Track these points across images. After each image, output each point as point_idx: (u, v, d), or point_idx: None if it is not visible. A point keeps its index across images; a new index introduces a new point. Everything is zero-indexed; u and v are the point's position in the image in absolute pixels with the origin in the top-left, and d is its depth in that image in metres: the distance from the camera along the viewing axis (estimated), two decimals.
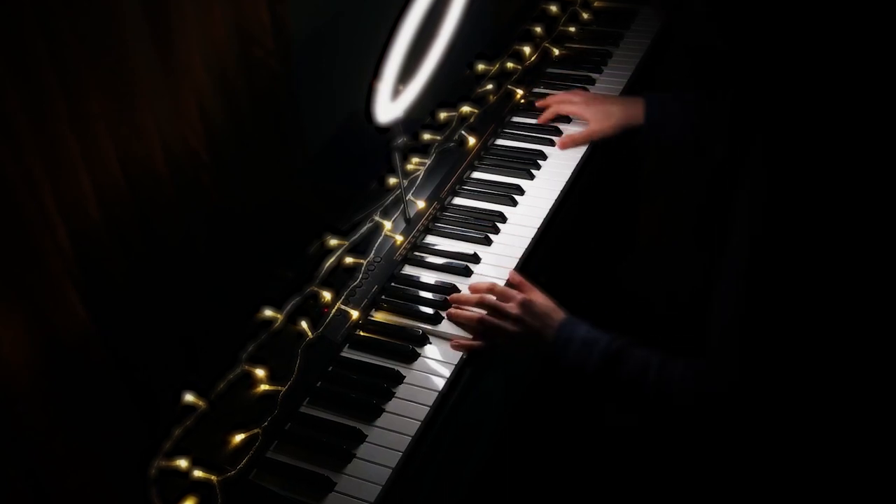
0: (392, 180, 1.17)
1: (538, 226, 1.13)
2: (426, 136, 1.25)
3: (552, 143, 1.26)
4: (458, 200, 1.20)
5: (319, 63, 1.30)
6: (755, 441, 0.86)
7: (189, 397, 0.93)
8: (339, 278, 1.06)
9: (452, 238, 1.14)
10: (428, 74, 1.07)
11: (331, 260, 1.08)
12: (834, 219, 0.77)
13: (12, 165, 0.83)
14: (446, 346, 0.99)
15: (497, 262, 1.09)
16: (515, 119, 1.32)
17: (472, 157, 1.23)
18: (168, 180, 1.04)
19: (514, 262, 1.08)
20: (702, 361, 0.85)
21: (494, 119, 1.29)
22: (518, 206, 1.17)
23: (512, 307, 0.98)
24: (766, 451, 0.87)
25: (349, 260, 1.08)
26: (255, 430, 0.90)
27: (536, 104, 1.29)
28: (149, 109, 0.99)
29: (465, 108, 1.29)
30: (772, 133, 0.78)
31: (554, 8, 1.48)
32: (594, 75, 1.37)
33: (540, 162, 1.23)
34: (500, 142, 1.28)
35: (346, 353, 1.00)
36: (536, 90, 1.36)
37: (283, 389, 0.94)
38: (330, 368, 0.98)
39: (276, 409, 0.92)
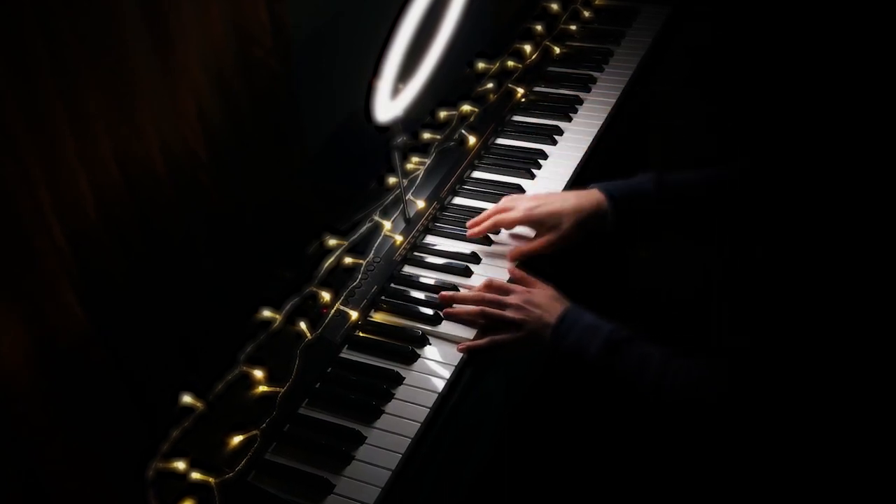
0: (392, 180, 1.16)
1: None
2: (426, 136, 1.24)
3: (553, 142, 1.26)
4: (458, 200, 1.19)
5: (319, 62, 1.29)
6: (754, 447, 0.85)
7: (187, 398, 0.92)
8: (338, 278, 1.06)
9: (452, 238, 1.13)
10: (428, 73, 1.07)
11: (330, 260, 1.07)
12: (837, 217, 0.77)
13: (10, 165, 0.83)
14: (446, 346, 0.98)
15: (498, 262, 1.08)
16: (516, 118, 1.31)
17: (473, 156, 1.23)
18: (166, 180, 1.03)
19: (515, 263, 1.08)
20: (703, 364, 0.84)
21: (495, 118, 1.29)
22: None
23: (512, 298, 0.98)
24: (767, 450, 0.87)
25: (348, 260, 1.08)
26: (254, 432, 0.90)
27: (472, 221, 1.10)
28: (147, 109, 0.99)
29: (466, 107, 1.29)
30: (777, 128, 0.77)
31: (555, 6, 1.47)
32: (595, 74, 1.36)
33: (541, 161, 1.23)
34: (500, 141, 1.28)
35: (346, 353, 1.00)
36: (537, 89, 1.35)
37: (282, 390, 0.94)
38: (329, 369, 0.98)
39: (275, 411, 0.92)
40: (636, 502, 1.13)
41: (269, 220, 1.18)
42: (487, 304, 0.99)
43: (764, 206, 0.78)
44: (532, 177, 1.21)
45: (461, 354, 0.97)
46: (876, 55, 0.77)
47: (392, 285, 1.07)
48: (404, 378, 0.95)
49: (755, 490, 0.90)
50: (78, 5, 0.87)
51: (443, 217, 1.16)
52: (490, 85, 1.33)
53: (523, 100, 1.33)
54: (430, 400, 0.92)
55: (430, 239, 1.14)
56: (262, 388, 0.94)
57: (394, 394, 0.93)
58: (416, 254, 1.11)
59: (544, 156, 1.24)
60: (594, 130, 1.26)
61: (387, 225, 1.12)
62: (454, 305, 1.01)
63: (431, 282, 1.07)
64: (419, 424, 0.90)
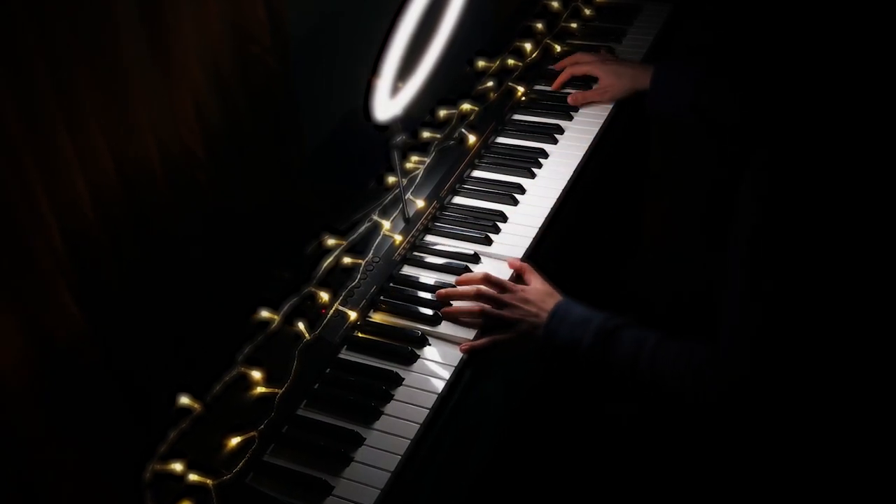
0: (391, 179, 1.16)
1: (540, 225, 1.12)
2: (426, 135, 1.24)
3: (554, 141, 1.25)
4: (458, 199, 1.18)
5: (317, 60, 1.29)
6: (751, 436, 0.85)
7: (184, 399, 0.92)
8: (337, 279, 1.05)
9: (452, 238, 1.13)
10: (427, 71, 1.06)
11: (329, 260, 1.07)
12: (837, 215, 0.76)
13: (6, 165, 0.82)
14: (446, 347, 0.98)
15: (498, 262, 1.08)
16: (516, 117, 1.30)
17: (473, 155, 1.22)
18: (163, 180, 1.03)
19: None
20: (700, 349, 0.84)
21: (495, 117, 1.28)
22: (519, 205, 1.16)
23: (508, 297, 0.98)
24: (764, 446, 0.86)
25: (347, 260, 1.07)
26: (252, 433, 0.89)
27: (556, 67, 1.33)
28: (144, 108, 0.98)
29: (466, 106, 1.28)
30: (778, 127, 0.77)
31: (556, 4, 1.46)
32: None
33: (541, 160, 1.22)
34: (500, 140, 1.27)
35: (344, 354, 0.99)
36: (538, 87, 1.35)
37: (280, 392, 0.93)
38: (327, 370, 0.97)
39: (273, 412, 0.91)
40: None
41: (268, 219, 1.17)
42: (486, 302, 0.98)
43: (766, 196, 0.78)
44: (533, 176, 1.20)
45: (461, 355, 0.97)
46: (878, 54, 0.76)
47: (391, 285, 1.06)
48: (403, 379, 0.95)
49: (754, 488, 0.89)
50: (72, 3, 0.86)
51: (443, 217, 1.16)
52: (490, 83, 1.32)
53: (524, 98, 1.33)
54: (430, 401, 0.92)
55: (429, 238, 1.13)
56: (260, 389, 0.94)
57: (393, 395, 0.93)
58: (415, 254, 1.11)
59: (545, 155, 1.23)
60: (595, 129, 1.26)
61: (386, 224, 1.12)
62: (452, 303, 1.00)
63: (431, 282, 1.06)
64: (418, 426, 0.89)
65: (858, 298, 0.80)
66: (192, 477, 0.86)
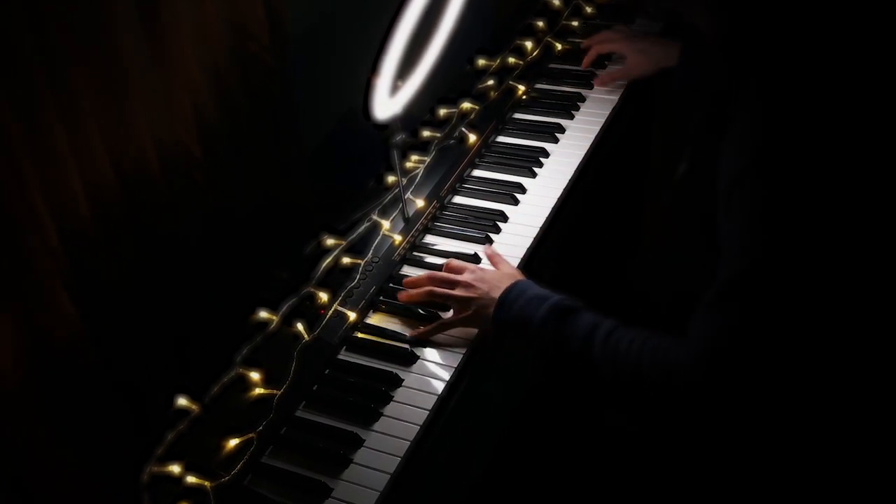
0: (390, 178, 1.15)
1: (541, 225, 1.12)
2: (425, 134, 1.23)
3: (555, 140, 1.24)
4: (458, 199, 1.18)
5: (316, 58, 1.28)
6: (724, 426, 0.82)
7: (182, 401, 0.91)
8: (336, 279, 1.04)
9: (452, 238, 1.12)
10: (427, 70, 1.05)
11: (328, 260, 1.06)
12: (832, 196, 0.75)
13: (2, 164, 0.82)
14: (445, 348, 0.97)
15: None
16: (517, 116, 1.30)
17: (473, 154, 1.22)
18: (161, 178, 1.02)
19: (515, 262, 1.06)
20: (666, 338, 0.80)
21: (496, 116, 1.28)
22: (520, 204, 1.15)
23: (463, 276, 0.97)
24: (761, 455, 0.85)
25: (346, 260, 1.07)
26: (250, 435, 0.89)
27: (582, 45, 1.34)
28: (141, 106, 0.97)
29: (466, 105, 1.27)
30: (767, 56, 0.75)
31: (556, 2, 1.45)
32: (598, 71, 1.35)
33: (542, 159, 1.22)
34: (501, 139, 1.27)
35: (343, 355, 0.99)
36: (539, 86, 1.34)
37: (279, 393, 0.93)
38: (326, 371, 0.97)
39: (272, 413, 0.91)
40: None
41: (266, 219, 1.17)
42: (437, 285, 0.98)
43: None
44: (534, 175, 1.20)
45: (461, 356, 0.96)
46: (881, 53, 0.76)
47: (391, 286, 1.06)
48: (403, 380, 0.94)
49: (753, 493, 0.89)
50: (71, 1, 0.85)
51: (443, 216, 1.15)
52: (491, 82, 1.31)
53: (524, 97, 1.32)
54: (430, 402, 0.91)
55: (429, 238, 1.12)
56: (258, 391, 0.93)
57: (392, 396, 0.92)
58: (415, 254, 1.10)
59: (546, 154, 1.23)
60: (597, 128, 1.25)
61: (385, 224, 1.11)
62: (404, 290, 1.01)
63: None
64: (418, 427, 0.89)
65: (853, 278, 0.78)
66: (190, 479, 0.86)
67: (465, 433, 0.98)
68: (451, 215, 1.15)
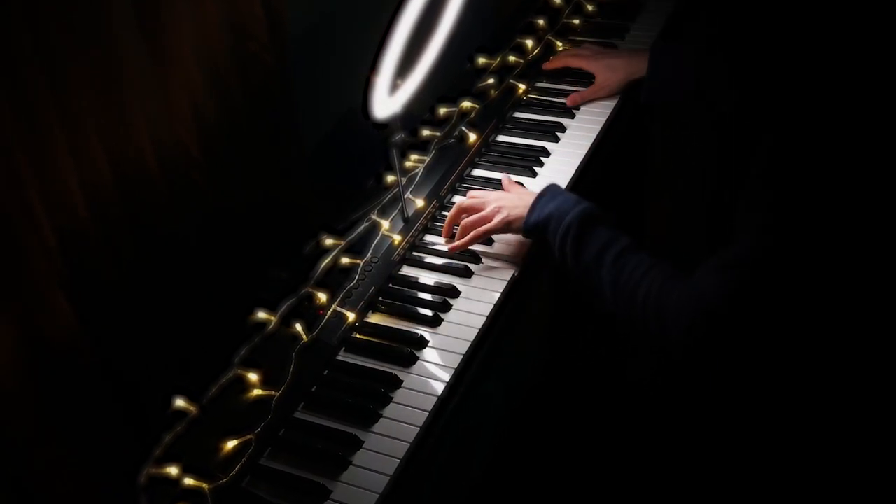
0: (390, 178, 1.15)
1: None
2: (425, 133, 1.23)
3: (556, 139, 1.24)
4: (458, 199, 1.17)
5: (316, 57, 1.27)
6: (713, 376, 0.85)
7: (180, 402, 0.91)
8: (335, 279, 1.04)
9: (453, 237, 1.11)
10: (427, 68, 1.05)
11: (326, 260, 1.05)
12: (845, 189, 0.77)
13: None
14: (446, 349, 0.96)
15: (499, 262, 1.06)
16: (518, 114, 1.29)
17: (473, 153, 1.21)
18: (159, 178, 1.02)
19: (517, 262, 1.06)
20: (666, 276, 0.84)
21: (496, 115, 1.27)
22: None
23: (488, 200, 1.04)
24: (764, 441, 0.85)
25: (345, 260, 1.06)
26: (248, 437, 0.88)
27: (550, 59, 1.34)
28: (139, 105, 0.97)
29: (466, 104, 1.27)
30: (779, 108, 0.77)
31: (557, 0, 1.44)
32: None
33: (543, 159, 1.21)
34: (501, 138, 1.26)
35: (342, 356, 0.98)
36: (539, 85, 1.33)
37: (277, 394, 0.92)
38: (325, 372, 0.96)
39: (270, 415, 0.90)
40: None
41: (265, 219, 1.16)
42: (472, 225, 1.03)
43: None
44: (534, 174, 1.19)
45: (461, 357, 0.95)
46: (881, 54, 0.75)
47: (390, 286, 1.05)
48: (403, 381, 0.93)
49: (748, 483, 0.88)
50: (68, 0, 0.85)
51: (442, 216, 1.14)
52: (491, 80, 1.31)
53: (525, 96, 1.31)
54: (430, 404, 0.91)
55: (429, 238, 1.12)
56: (256, 392, 0.93)
57: (392, 397, 0.92)
58: (414, 254, 1.10)
59: (546, 153, 1.22)
60: (598, 127, 1.24)
61: (385, 224, 1.11)
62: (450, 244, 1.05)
63: (430, 282, 1.05)
64: (418, 429, 0.88)
65: (854, 280, 0.79)
66: (188, 481, 0.85)
67: (465, 434, 0.97)
68: None
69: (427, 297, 1.03)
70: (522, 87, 1.31)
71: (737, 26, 0.82)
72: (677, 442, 1.00)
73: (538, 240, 1.00)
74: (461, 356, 0.96)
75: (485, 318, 0.99)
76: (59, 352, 0.89)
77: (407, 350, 0.96)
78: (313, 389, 0.94)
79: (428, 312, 1.00)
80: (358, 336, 1.00)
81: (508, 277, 1.03)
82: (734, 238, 0.81)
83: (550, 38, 1.39)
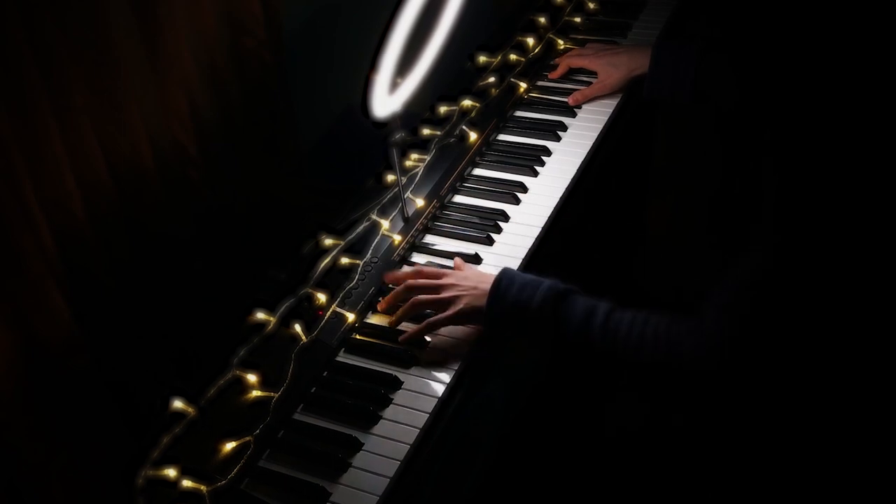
0: (390, 177, 1.14)
1: (542, 224, 1.10)
2: (425, 131, 1.22)
3: (557, 139, 1.23)
4: (458, 198, 1.16)
5: (314, 54, 1.27)
6: (731, 414, 0.83)
7: (178, 404, 0.90)
8: (334, 279, 1.03)
9: (453, 238, 1.11)
10: (427, 66, 1.04)
11: (326, 260, 1.05)
12: (850, 198, 0.75)
13: None
14: (446, 350, 0.95)
15: (499, 262, 1.06)
16: (518, 113, 1.28)
17: (474, 152, 1.20)
18: (155, 177, 1.01)
19: (517, 263, 1.05)
20: (667, 322, 0.82)
21: (497, 113, 1.26)
22: (521, 204, 1.14)
23: (445, 280, 0.96)
24: (764, 455, 0.84)
25: (345, 260, 1.05)
26: (247, 438, 0.88)
27: (553, 62, 1.33)
28: (135, 103, 0.96)
29: (466, 102, 1.26)
30: (780, 106, 0.76)
31: None
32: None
33: (544, 158, 1.20)
34: (502, 137, 1.25)
35: (342, 357, 0.97)
36: (541, 83, 1.32)
37: (276, 395, 0.91)
38: (324, 373, 0.95)
39: (269, 416, 0.90)
40: None
41: (262, 218, 1.16)
42: (419, 293, 0.97)
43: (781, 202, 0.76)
44: (535, 174, 1.18)
45: (462, 358, 0.95)
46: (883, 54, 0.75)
47: (390, 287, 1.04)
48: (403, 382, 0.93)
49: (751, 488, 0.88)
50: None
51: (443, 216, 1.14)
52: (492, 79, 1.30)
53: (526, 95, 1.30)
54: (430, 405, 0.90)
55: (429, 238, 1.11)
56: (255, 393, 0.92)
57: (392, 399, 0.91)
58: (415, 254, 1.09)
59: (548, 152, 1.21)
60: (600, 126, 1.24)
61: (385, 224, 1.10)
62: (383, 299, 0.99)
63: None
64: (418, 430, 0.88)
65: (863, 288, 0.78)
66: (186, 483, 0.85)
67: (465, 436, 0.96)
68: (451, 215, 1.14)
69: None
70: (524, 85, 1.31)
71: (738, 25, 0.82)
72: (681, 448, 0.99)
73: (504, 330, 0.93)
74: (462, 357, 0.95)
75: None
76: (55, 352, 0.89)
77: (407, 351, 0.96)
78: (312, 391, 0.94)
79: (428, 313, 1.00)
80: (357, 337, 0.99)
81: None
82: (735, 260, 0.79)
83: (552, 36, 1.38)
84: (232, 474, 0.85)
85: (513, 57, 1.34)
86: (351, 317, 0.99)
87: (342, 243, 1.07)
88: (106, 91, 0.92)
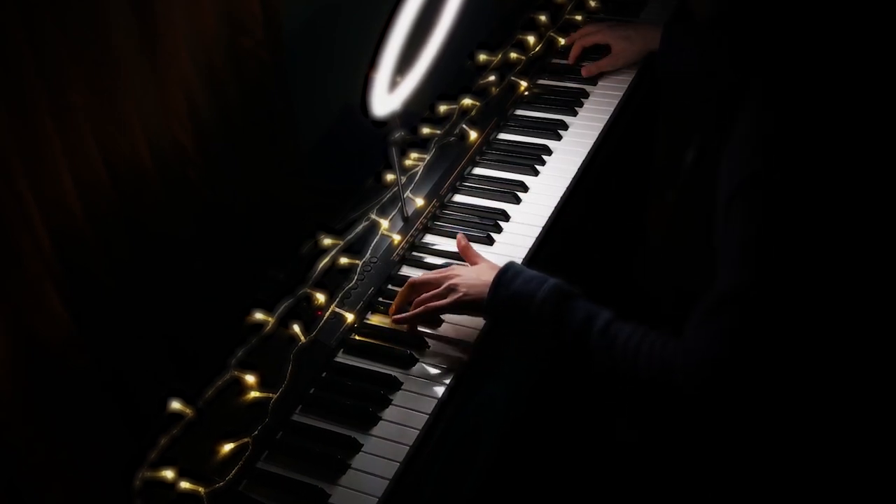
0: (389, 177, 1.13)
1: (543, 224, 1.10)
2: (425, 131, 1.21)
3: (558, 138, 1.22)
4: (458, 198, 1.16)
5: (313, 53, 1.26)
6: (729, 424, 0.82)
7: (176, 405, 0.90)
8: (333, 280, 1.03)
9: (453, 238, 1.10)
10: (427, 65, 1.03)
11: (325, 260, 1.04)
12: (836, 179, 0.74)
13: None
14: (446, 351, 0.95)
15: (500, 262, 1.04)
16: (519, 112, 1.28)
17: (474, 152, 1.20)
18: (154, 176, 1.01)
19: (517, 263, 1.04)
20: (663, 336, 0.80)
21: (497, 112, 1.26)
22: (522, 203, 1.13)
23: (442, 279, 0.95)
24: (761, 464, 0.84)
25: (344, 260, 1.05)
26: (245, 440, 0.87)
27: (565, 42, 1.34)
28: (134, 103, 0.96)
29: (467, 101, 1.25)
30: (770, 80, 0.75)
31: None
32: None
33: (545, 157, 1.20)
34: (502, 136, 1.25)
35: (341, 358, 0.97)
36: (541, 82, 1.32)
37: (275, 396, 0.91)
38: (323, 374, 0.95)
39: (267, 418, 0.89)
40: None
41: (261, 218, 1.15)
42: (422, 290, 0.95)
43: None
44: (536, 173, 1.18)
45: (462, 359, 0.94)
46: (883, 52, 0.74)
47: (390, 286, 1.04)
48: (402, 383, 0.92)
49: (752, 489, 0.87)
50: None
51: (443, 215, 1.13)
52: (492, 77, 1.29)
53: (526, 93, 1.30)
54: (430, 406, 0.89)
55: (429, 238, 1.10)
56: (253, 394, 0.92)
57: (391, 400, 0.91)
58: (414, 254, 1.08)
59: (548, 151, 1.20)
60: (600, 125, 1.23)
61: (384, 224, 1.09)
62: (396, 315, 0.97)
63: None
64: (418, 432, 0.87)
65: (856, 281, 0.77)
66: (184, 484, 0.84)
67: (466, 437, 0.96)
68: (451, 214, 1.13)
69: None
70: (524, 84, 1.30)
71: (738, 9, 0.81)
72: (681, 452, 0.99)
73: (502, 320, 0.92)
74: (462, 357, 0.94)
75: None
76: (52, 353, 0.89)
77: (407, 352, 0.95)
78: (311, 391, 0.93)
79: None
80: (357, 337, 0.98)
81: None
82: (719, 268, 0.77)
83: (552, 34, 1.37)
84: (230, 476, 0.85)
85: (513, 55, 1.33)
86: (350, 317, 0.99)
87: (341, 243, 1.07)
88: (105, 91, 0.92)
